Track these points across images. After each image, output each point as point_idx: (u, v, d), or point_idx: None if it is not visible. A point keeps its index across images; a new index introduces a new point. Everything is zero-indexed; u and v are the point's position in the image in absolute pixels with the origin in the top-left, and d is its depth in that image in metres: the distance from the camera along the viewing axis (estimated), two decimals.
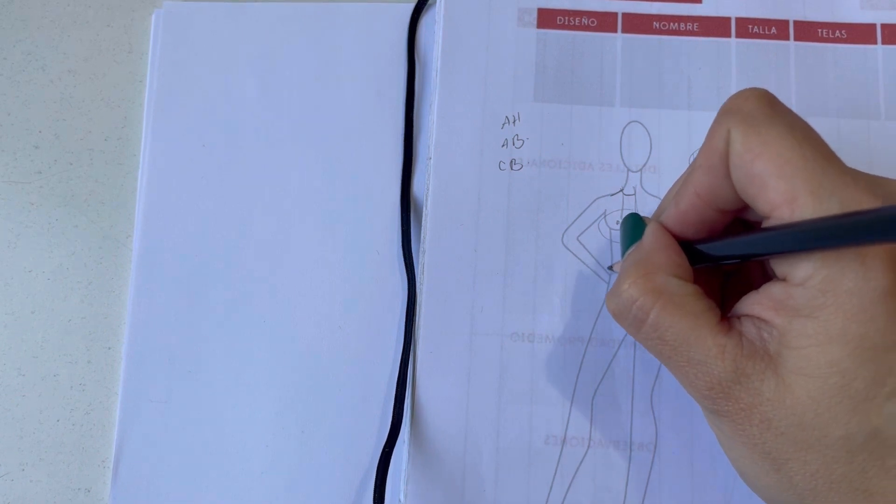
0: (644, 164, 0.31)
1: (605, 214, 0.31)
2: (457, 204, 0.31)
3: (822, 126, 0.31)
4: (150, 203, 0.32)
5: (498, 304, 0.30)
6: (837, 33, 0.32)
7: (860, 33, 0.32)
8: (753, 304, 0.21)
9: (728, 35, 0.32)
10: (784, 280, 0.20)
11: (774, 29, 0.32)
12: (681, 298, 0.22)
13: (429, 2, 0.34)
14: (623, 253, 0.25)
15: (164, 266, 0.32)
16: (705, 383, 0.21)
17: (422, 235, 0.31)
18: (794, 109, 0.32)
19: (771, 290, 0.20)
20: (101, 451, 0.31)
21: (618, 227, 0.31)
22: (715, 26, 0.32)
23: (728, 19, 0.33)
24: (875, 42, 0.32)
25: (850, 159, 0.31)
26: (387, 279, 0.31)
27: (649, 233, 0.24)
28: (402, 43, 0.34)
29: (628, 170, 0.31)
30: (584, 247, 0.31)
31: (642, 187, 0.31)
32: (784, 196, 0.19)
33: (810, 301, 0.19)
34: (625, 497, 0.29)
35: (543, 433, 0.29)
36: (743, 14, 0.32)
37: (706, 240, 0.23)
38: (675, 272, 0.22)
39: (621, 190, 0.31)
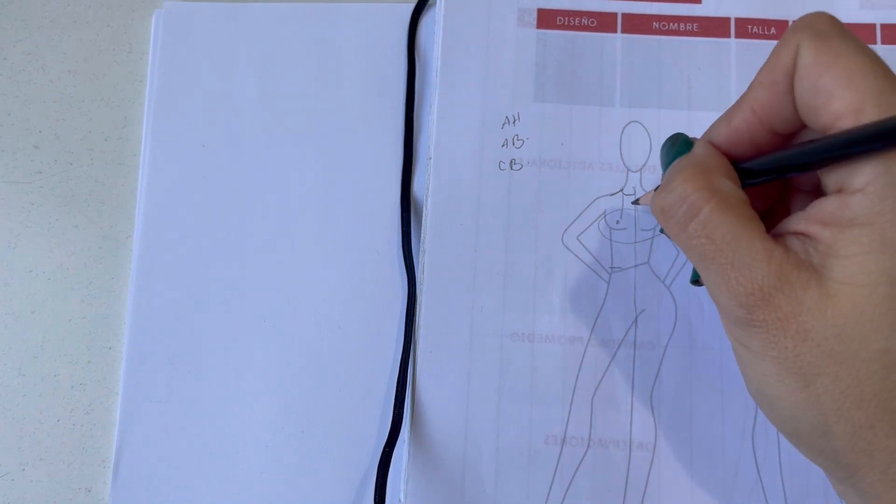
0: (644, 164, 0.31)
1: (604, 214, 0.31)
2: (457, 204, 0.31)
3: None
4: (151, 203, 0.32)
5: (498, 304, 0.30)
6: None
7: (860, 33, 0.32)
8: (799, 220, 0.21)
9: (728, 35, 0.32)
10: (838, 192, 0.20)
11: (774, 29, 0.32)
12: (734, 200, 0.21)
13: (429, 2, 0.34)
14: (665, 169, 0.25)
15: (164, 266, 0.32)
16: (746, 288, 0.20)
17: (422, 235, 0.31)
18: None
19: (821, 205, 0.20)
20: (102, 450, 0.31)
21: (618, 226, 0.31)
22: (714, 26, 0.32)
23: (727, 20, 0.33)
24: (875, 42, 0.32)
25: None
26: (387, 279, 0.31)
27: (700, 145, 0.23)
28: (402, 43, 0.34)
29: (628, 170, 0.31)
30: (584, 247, 0.31)
31: (642, 187, 0.31)
32: (851, 106, 0.19)
33: (869, 208, 0.19)
34: (624, 497, 0.29)
35: (543, 433, 0.29)
36: (742, 14, 0.33)
37: (756, 157, 0.23)
38: (728, 175, 0.22)
39: (621, 190, 0.31)
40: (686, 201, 0.22)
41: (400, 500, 0.29)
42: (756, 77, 0.22)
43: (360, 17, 0.34)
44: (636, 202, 0.30)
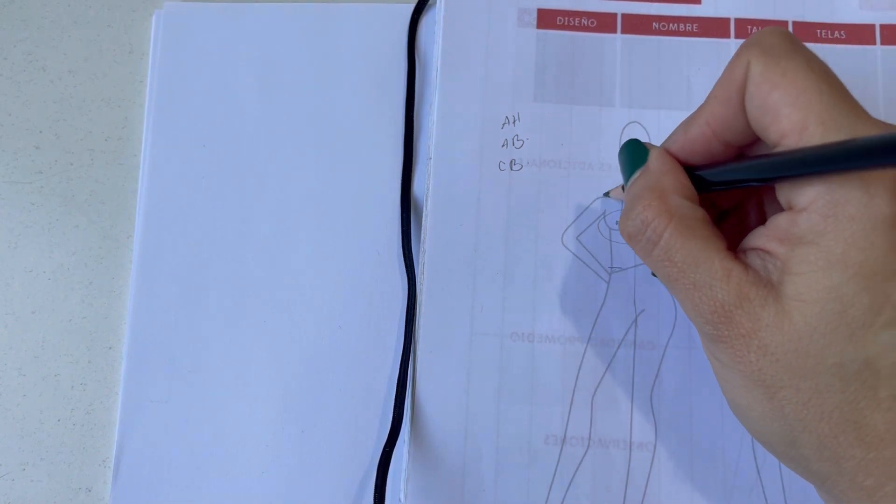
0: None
1: (604, 214, 0.31)
2: (457, 204, 0.31)
3: None
4: (151, 203, 0.32)
5: (498, 304, 0.30)
6: (836, 34, 0.32)
7: (859, 34, 0.32)
8: (759, 237, 0.21)
9: (727, 36, 0.32)
10: (789, 208, 0.21)
11: None
12: (691, 221, 0.22)
13: (429, 2, 0.34)
14: (626, 178, 0.25)
15: (164, 266, 0.32)
16: (709, 307, 0.21)
17: (422, 235, 0.31)
18: None
19: (776, 221, 0.21)
20: (102, 450, 0.31)
21: (617, 226, 0.31)
22: (714, 27, 0.32)
23: (727, 20, 0.33)
24: (874, 42, 0.32)
25: None
26: (387, 279, 0.31)
27: (655, 157, 0.24)
28: (402, 43, 0.34)
29: None
30: (584, 247, 0.31)
31: None
32: (795, 125, 0.20)
33: (813, 227, 0.19)
34: (624, 497, 0.29)
35: (543, 433, 0.29)
36: (742, 15, 0.33)
37: (710, 166, 0.23)
38: (684, 194, 0.23)
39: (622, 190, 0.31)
40: (648, 227, 0.22)
41: (400, 500, 0.29)
42: (712, 91, 0.23)
43: (360, 17, 0.34)
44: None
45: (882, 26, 0.32)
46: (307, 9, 0.34)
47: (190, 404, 0.30)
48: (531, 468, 0.29)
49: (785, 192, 0.21)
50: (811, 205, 0.20)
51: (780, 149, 0.20)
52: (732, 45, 0.32)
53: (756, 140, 0.23)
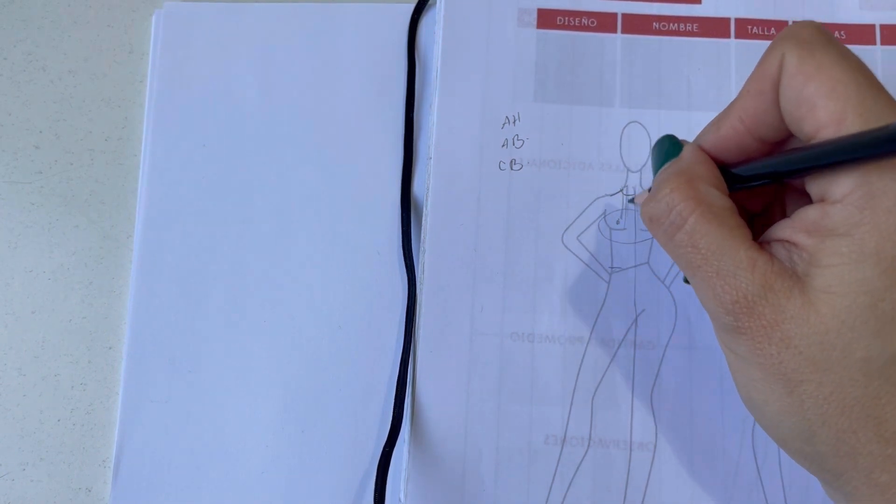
0: (644, 165, 0.31)
1: (604, 214, 0.31)
2: (457, 204, 0.31)
3: None
4: (151, 203, 0.32)
5: (498, 304, 0.30)
6: (837, 34, 0.32)
7: (859, 34, 0.32)
8: (785, 228, 0.21)
9: (727, 36, 0.32)
10: (821, 201, 0.20)
11: (774, 30, 0.32)
12: (719, 209, 0.22)
13: (429, 2, 0.34)
14: (656, 171, 0.25)
15: (164, 266, 0.32)
16: (731, 297, 0.21)
17: (422, 235, 0.31)
18: None
19: (805, 213, 0.21)
20: (102, 450, 0.31)
21: (618, 226, 0.31)
22: (714, 27, 0.32)
23: (727, 20, 0.33)
24: (874, 43, 0.32)
25: None
26: (387, 279, 0.31)
27: (688, 150, 0.24)
28: (402, 43, 0.34)
29: (628, 170, 0.31)
30: (584, 247, 0.31)
31: (642, 187, 0.31)
32: (833, 116, 0.19)
33: (847, 218, 0.19)
34: (625, 497, 0.29)
35: (543, 433, 0.29)
36: (742, 15, 0.33)
37: (743, 162, 0.23)
38: (714, 184, 0.22)
39: (621, 190, 0.31)
40: (673, 211, 0.22)
41: (400, 500, 0.29)
42: (744, 86, 0.23)
43: (360, 17, 0.34)
44: (632, 200, 0.30)
45: (882, 26, 0.32)
46: (307, 9, 0.34)
47: (190, 404, 0.30)
48: (531, 468, 0.29)
49: (818, 185, 0.20)
50: (847, 196, 0.19)
51: (816, 141, 0.20)
52: (732, 45, 0.32)
53: (788, 137, 0.22)
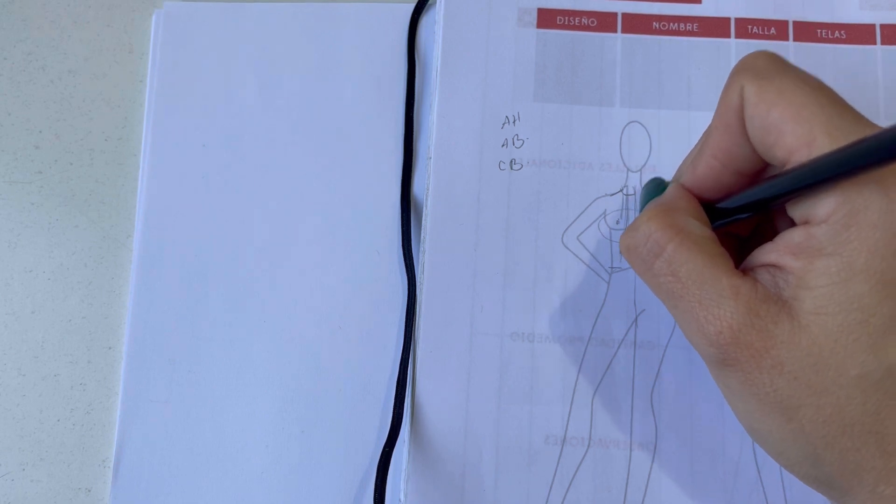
0: (644, 164, 0.31)
1: (605, 214, 0.31)
2: (457, 204, 0.31)
3: None
4: (151, 203, 0.32)
5: (498, 304, 0.30)
6: (837, 34, 0.32)
7: (859, 34, 0.32)
8: (769, 252, 0.21)
9: (728, 35, 0.32)
10: (804, 223, 0.20)
11: (774, 29, 0.32)
12: (699, 238, 0.22)
13: (429, 2, 0.34)
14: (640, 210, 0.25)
15: (164, 266, 0.32)
16: (715, 327, 0.20)
17: (422, 235, 0.31)
18: None
19: (789, 236, 0.20)
20: (102, 450, 0.31)
21: (618, 226, 0.31)
22: (714, 26, 0.32)
23: (727, 20, 0.33)
24: (874, 42, 0.32)
25: None
26: (387, 279, 0.31)
27: (671, 188, 0.24)
28: (402, 43, 0.34)
29: (628, 170, 0.31)
30: (584, 247, 0.31)
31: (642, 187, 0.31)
32: (801, 139, 0.19)
33: (833, 238, 0.19)
34: (625, 497, 0.29)
35: (543, 433, 0.29)
36: (742, 14, 0.33)
37: (724, 198, 0.23)
38: (694, 216, 0.22)
39: (621, 190, 0.31)
40: (650, 239, 0.22)
41: (400, 500, 0.29)
42: (711, 123, 0.23)
43: (360, 17, 0.34)
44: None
45: (882, 26, 0.32)
46: (307, 9, 0.34)
47: (190, 404, 0.30)
48: (531, 468, 0.29)
49: (799, 208, 0.20)
50: (830, 216, 0.19)
51: (790, 166, 0.20)
52: (733, 44, 0.32)
53: (765, 166, 0.22)
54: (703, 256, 0.21)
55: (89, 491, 0.30)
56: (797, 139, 0.19)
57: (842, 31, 0.32)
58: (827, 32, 0.32)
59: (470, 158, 0.31)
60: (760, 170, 0.22)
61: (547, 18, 0.33)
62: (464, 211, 0.31)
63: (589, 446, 0.29)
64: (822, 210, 0.19)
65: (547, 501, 0.29)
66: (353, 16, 0.34)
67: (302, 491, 0.30)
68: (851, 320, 0.19)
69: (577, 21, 0.33)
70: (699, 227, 0.22)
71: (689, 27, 0.33)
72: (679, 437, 0.29)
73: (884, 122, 0.31)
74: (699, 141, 0.24)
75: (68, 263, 0.32)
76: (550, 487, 0.29)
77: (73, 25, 0.35)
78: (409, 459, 0.29)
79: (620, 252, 0.24)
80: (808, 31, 0.32)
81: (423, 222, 0.31)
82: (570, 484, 0.29)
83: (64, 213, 0.33)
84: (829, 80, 0.32)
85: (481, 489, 0.29)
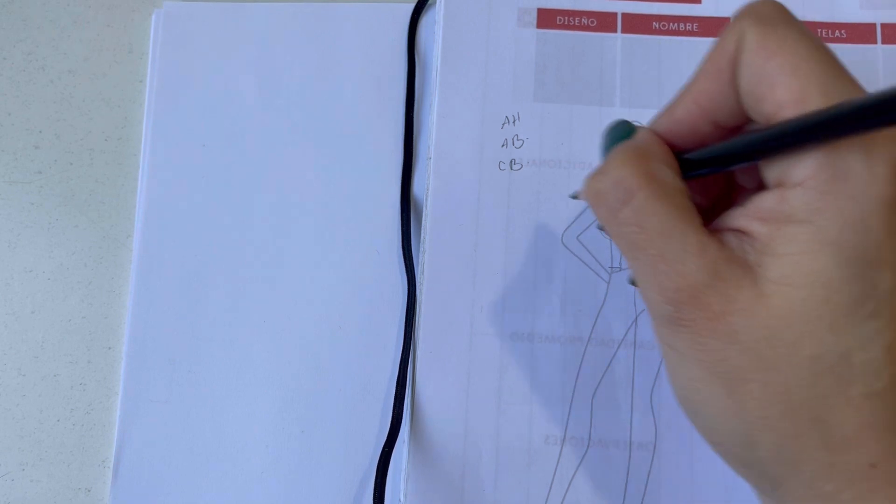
0: None
1: None
2: (457, 204, 0.31)
3: None
4: (151, 203, 0.32)
5: (498, 304, 0.30)
6: (837, 33, 0.32)
7: (860, 33, 0.32)
8: (737, 216, 0.20)
9: None
10: (779, 186, 0.19)
11: None
12: (671, 188, 0.20)
13: (429, 2, 0.34)
14: (605, 154, 0.23)
15: (164, 266, 0.32)
16: (675, 283, 0.19)
17: (422, 235, 0.31)
18: None
19: (760, 200, 0.19)
20: (102, 451, 0.31)
21: None
22: (715, 26, 0.32)
23: (727, 19, 0.32)
24: (875, 42, 0.32)
25: None
26: (387, 279, 0.31)
27: (642, 132, 0.22)
28: (402, 43, 0.34)
29: None
30: (584, 247, 0.31)
31: None
32: (795, 94, 0.18)
33: (808, 204, 0.18)
34: (624, 497, 0.29)
35: (543, 433, 0.29)
36: None
37: (697, 148, 0.21)
38: (668, 164, 0.21)
39: None
40: (620, 185, 0.20)
41: (400, 501, 0.29)
42: (699, 66, 0.21)
43: (360, 16, 0.34)
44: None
45: (883, 25, 0.32)
46: (307, 9, 0.34)
47: (190, 404, 0.30)
48: (531, 468, 0.29)
49: (776, 169, 0.19)
50: (808, 180, 0.18)
51: (776, 121, 0.19)
52: None
53: (745, 123, 0.21)
54: (674, 209, 0.20)
55: (89, 491, 0.30)
56: (790, 93, 0.18)
57: (842, 31, 0.32)
58: (827, 32, 0.32)
59: (470, 158, 0.31)
60: (738, 126, 0.21)
61: (547, 18, 0.33)
62: (464, 211, 0.31)
63: (588, 446, 0.29)
64: (800, 172, 0.18)
65: (546, 501, 0.29)
66: (353, 16, 0.34)
67: (302, 491, 0.30)
68: (814, 296, 0.18)
69: (576, 21, 0.33)
70: (672, 177, 0.20)
71: (689, 27, 0.33)
72: (679, 437, 0.29)
73: None
74: (682, 89, 0.23)
75: (68, 263, 0.32)
76: (550, 487, 0.29)
77: (72, 25, 0.35)
78: (408, 459, 0.29)
79: (586, 197, 0.22)
80: None
81: (423, 222, 0.31)
82: (569, 484, 0.29)
83: (64, 212, 0.33)
84: None
85: (481, 489, 0.29)
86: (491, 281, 0.30)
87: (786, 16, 0.19)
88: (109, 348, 0.32)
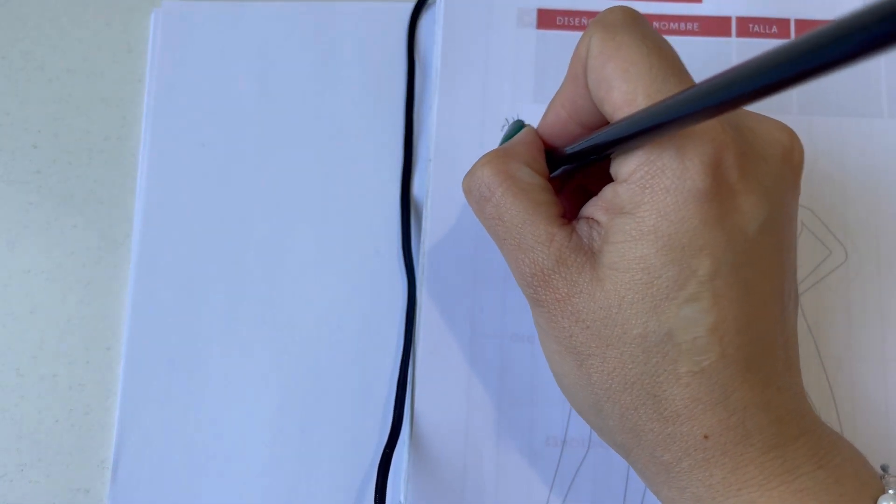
0: None
1: None
2: (457, 204, 0.31)
3: (824, 125, 0.31)
4: (150, 203, 0.32)
5: (498, 306, 0.30)
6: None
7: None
8: (590, 206, 0.22)
9: (728, 34, 0.32)
10: (615, 180, 0.21)
11: (775, 28, 0.32)
12: (527, 185, 0.22)
13: (429, 2, 0.34)
14: None
15: (163, 266, 0.32)
16: (530, 269, 0.22)
17: (422, 235, 0.31)
18: (795, 108, 0.32)
19: (604, 192, 0.21)
20: (100, 451, 0.31)
21: None
22: (715, 26, 0.32)
23: (728, 19, 0.32)
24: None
25: (853, 158, 0.31)
26: (387, 279, 0.31)
27: (522, 132, 0.25)
28: (402, 43, 0.33)
29: None
30: None
31: None
32: (625, 97, 0.20)
33: (632, 197, 0.20)
34: (624, 498, 0.29)
35: (543, 434, 0.29)
36: (743, 13, 0.32)
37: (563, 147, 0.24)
38: (528, 163, 0.23)
39: None
40: (482, 183, 0.23)
41: (400, 502, 0.29)
42: (566, 72, 0.23)
43: (360, 16, 0.34)
44: None
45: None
46: (307, 8, 0.34)
47: (189, 404, 0.30)
48: (531, 469, 0.29)
49: (614, 165, 0.21)
50: (631, 175, 0.20)
51: (614, 122, 0.21)
52: (734, 44, 0.32)
53: (606, 123, 0.23)
54: (528, 203, 0.22)
55: (88, 492, 0.30)
56: (622, 96, 0.20)
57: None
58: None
59: (470, 159, 0.31)
60: (603, 123, 0.23)
61: (547, 19, 0.33)
62: (464, 211, 0.31)
63: (589, 447, 0.29)
64: (626, 169, 0.20)
65: (547, 502, 0.29)
66: (353, 16, 0.34)
67: (302, 491, 0.30)
68: (638, 280, 0.20)
69: (577, 21, 0.33)
70: (529, 175, 0.23)
71: (689, 27, 0.32)
72: None
73: (888, 121, 0.31)
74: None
75: (67, 263, 0.32)
76: (550, 489, 0.29)
77: (71, 24, 0.35)
78: (409, 460, 0.29)
79: (463, 192, 0.25)
80: (809, 30, 0.32)
81: (423, 223, 0.31)
82: (570, 485, 0.29)
83: (62, 212, 0.33)
84: (831, 79, 0.32)
85: (481, 490, 0.29)
86: (491, 282, 0.30)
87: (630, 21, 0.21)
88: (108, 348, 0.32)
